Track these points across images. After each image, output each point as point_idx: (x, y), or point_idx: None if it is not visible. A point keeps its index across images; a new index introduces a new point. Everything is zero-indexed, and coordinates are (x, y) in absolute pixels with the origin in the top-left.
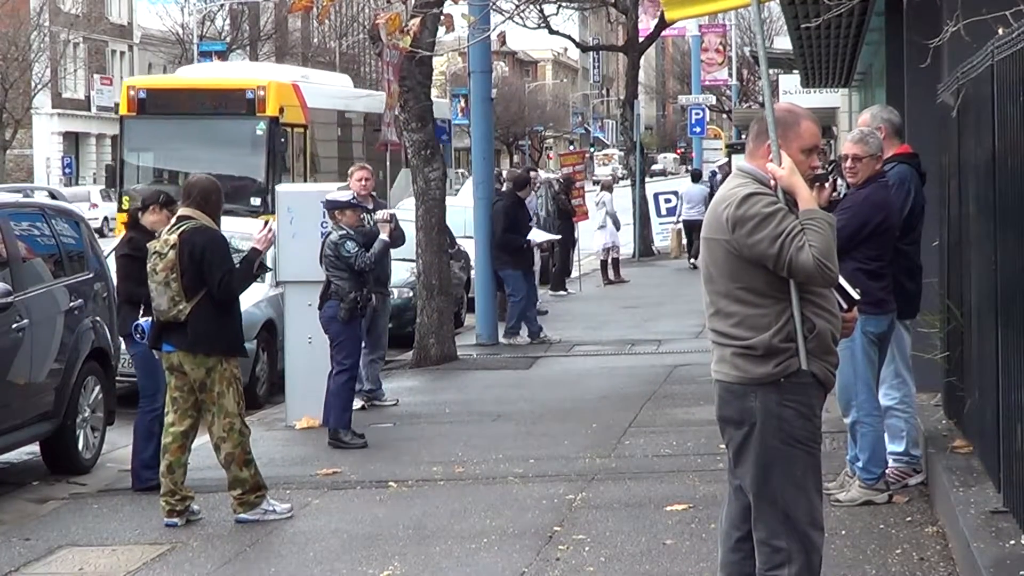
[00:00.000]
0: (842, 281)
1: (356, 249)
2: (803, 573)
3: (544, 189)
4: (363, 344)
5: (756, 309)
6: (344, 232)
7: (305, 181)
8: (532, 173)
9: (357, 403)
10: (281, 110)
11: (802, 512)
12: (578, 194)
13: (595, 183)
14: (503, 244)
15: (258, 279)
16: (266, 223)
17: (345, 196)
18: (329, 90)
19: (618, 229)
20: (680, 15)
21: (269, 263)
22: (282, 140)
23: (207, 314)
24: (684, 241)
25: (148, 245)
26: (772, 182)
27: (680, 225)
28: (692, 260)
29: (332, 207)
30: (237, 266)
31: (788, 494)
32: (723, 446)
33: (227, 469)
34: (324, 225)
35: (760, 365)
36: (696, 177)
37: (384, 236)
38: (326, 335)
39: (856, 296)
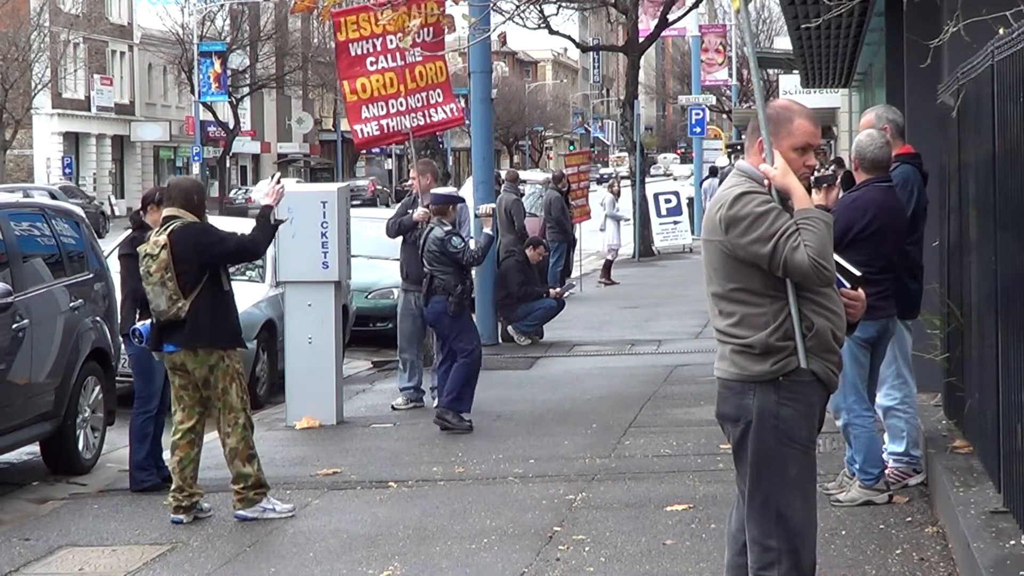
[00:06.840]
0: (839, 259)
1: (463, 245)
2: (791, 574)
3: (542, 189)
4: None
5: (754, 308)
6: (448, 228)
7: None
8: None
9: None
10: None
11: (795, 512)
12: (581, 194)
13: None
14: (523, 296)
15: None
16: (273, 176)
17: (448, 191)
18: None
19: (617, 226)
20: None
21: (269, 264)
22: None
23: (205, 309)
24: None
25: (138, 249)
26: (766, 182)
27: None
28: None
29: (440, 202)
30: (254, 226)
31: (782, 494)
32: (723, 446)
33: (230, 464)
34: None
35: (758, 363)
36: (714, 172)
37: (487, 230)
38: (434, 330)
39: (857, 273)
